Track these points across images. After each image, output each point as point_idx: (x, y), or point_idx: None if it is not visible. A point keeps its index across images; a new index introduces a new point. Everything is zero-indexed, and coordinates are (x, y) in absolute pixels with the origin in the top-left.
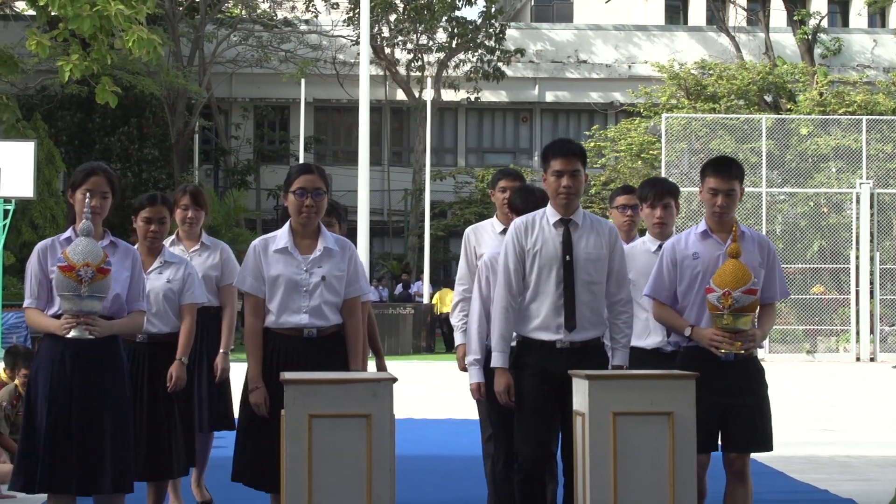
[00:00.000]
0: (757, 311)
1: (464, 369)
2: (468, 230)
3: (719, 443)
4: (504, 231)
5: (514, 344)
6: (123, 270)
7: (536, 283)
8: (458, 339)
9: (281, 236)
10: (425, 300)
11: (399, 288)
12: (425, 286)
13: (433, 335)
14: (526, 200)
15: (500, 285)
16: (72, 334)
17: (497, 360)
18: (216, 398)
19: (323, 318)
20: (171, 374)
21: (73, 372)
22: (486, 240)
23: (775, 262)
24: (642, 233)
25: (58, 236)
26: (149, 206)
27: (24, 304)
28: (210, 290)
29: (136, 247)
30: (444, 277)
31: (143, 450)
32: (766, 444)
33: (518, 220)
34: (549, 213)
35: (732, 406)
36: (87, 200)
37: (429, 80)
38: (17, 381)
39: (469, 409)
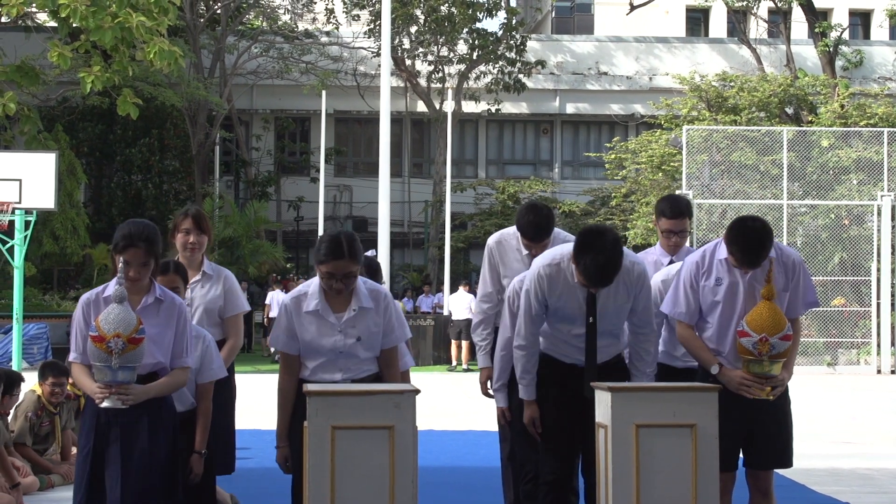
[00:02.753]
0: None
1: (486, 394)
2: (491, 242)
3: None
4: (529, 253)
5: None
6: (167, 330)
7: (559, 322)
8: (481, 361)
9: (312, 295)
10: (446, 312)
11: (420, 299)
12: (445, 298)
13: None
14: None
15: (522, 324)
16: (105, 404)
17: (524, 394)
18: (214, 443)
19: (358, 372)
20: (191, 468)
21: (111, 431)
22: (509, 260)
23: (800, 275)
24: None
25: (101, 290)
26: (156, 262)
27: (70, 359)
28: (213, 322)
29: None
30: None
31: None
32: (787, 461)
33: (542, 269)
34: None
35: (756, 422)
36: (120, 266)
37: (449, 92)
38: (39, 392)
39: (490, 421)
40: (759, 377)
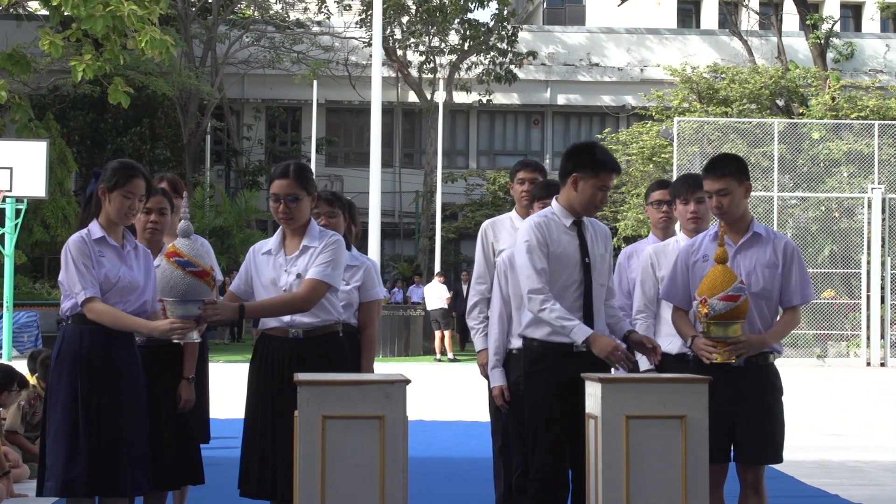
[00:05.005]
0: (744, 316)
1: (486, 376)
2: (485, 225)
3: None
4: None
5: (514, 348)
6: (149, 276)
7: (555, 285)
8: (478, 343)
9: (272, 239)
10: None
11: (410, 289)
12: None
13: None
14: (549, 189)
15: (534, 274)
16: (181, 339)
17: (580, 332)
18: (193, 410)
19: (308, 315)
20: (180, 395)
21: (102, 372)
22: (504, 235)
23: (793, 264)
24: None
25: (87, 234)
26: (148, 197)
27: (84, 297)
28: None
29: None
30: (455, 279)
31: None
32: (776, 457)
33: (536, 221)
34: (561, 214)
35: (742, 415)
36: (185, 207)
37: (441, 83)
38: (33, 381)
39: (480, 411)
40: (717, 341)
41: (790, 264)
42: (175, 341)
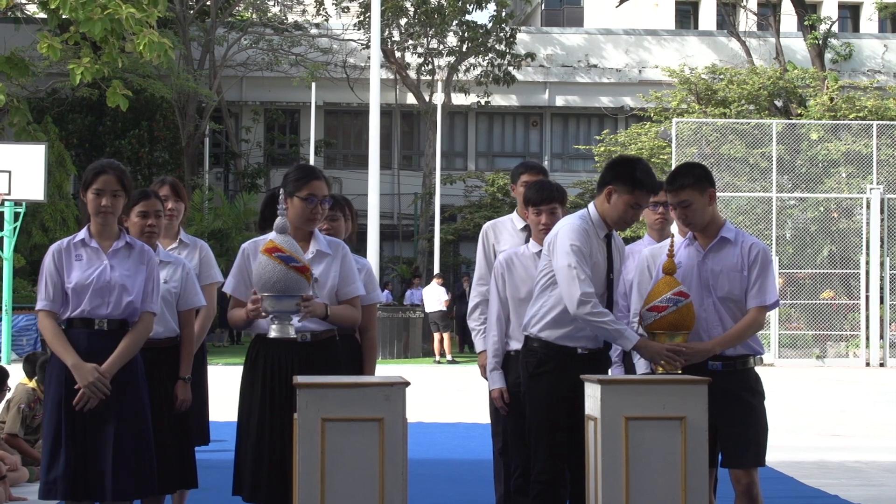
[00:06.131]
0: (688, 325)
1: (486, 377)
2: (486, 226)
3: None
4: (525, 227)
5: (511, 349)
6: (138, 275)
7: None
8: (479, 344)
9: (271, 239)
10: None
11: (410, 292)
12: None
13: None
14: (541, 194)
15: (585, 286)
16: (278, 334)
17: (632, 337)
18: (194, 412)
19: (317, 321)
20: (176, 395)
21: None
22: (505, 237)
23: (754, 266)
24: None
25: (72, 238)
26: (143, 200)
27: (38, 307)
28: None
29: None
30: (454, 281)
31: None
32: (758, 460)
33: (580, 224)
34: (596, 223)
35: (722, 419)
36: (281, 204)
37: (439, 84)
38: (32, 385)
39: (479, 413)
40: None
41: (751, 266)
42: (272, 336)
